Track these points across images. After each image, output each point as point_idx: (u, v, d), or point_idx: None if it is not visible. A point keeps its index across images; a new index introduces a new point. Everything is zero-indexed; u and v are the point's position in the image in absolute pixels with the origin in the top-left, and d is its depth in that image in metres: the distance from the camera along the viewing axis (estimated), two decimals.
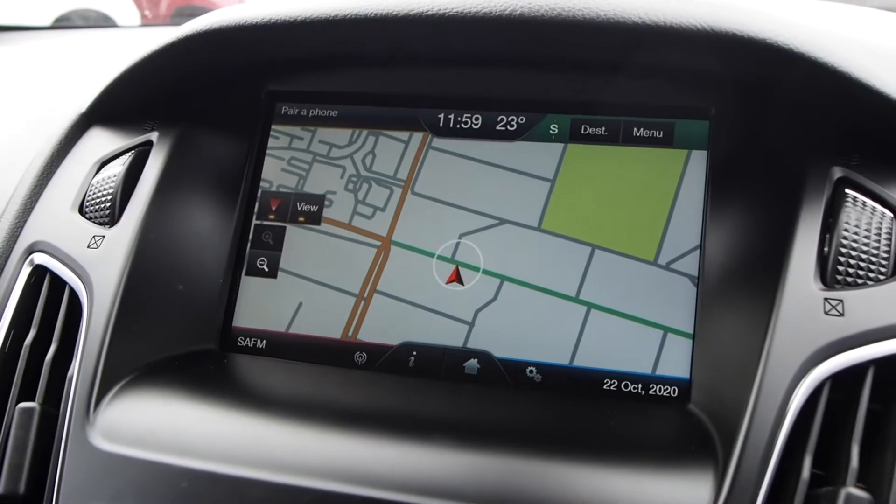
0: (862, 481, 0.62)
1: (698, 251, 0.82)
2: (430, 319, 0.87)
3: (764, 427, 0.65)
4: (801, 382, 0.66)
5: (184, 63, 0.94)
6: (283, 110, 0.99)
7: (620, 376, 0.82)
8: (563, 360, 0.83)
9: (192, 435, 0.74)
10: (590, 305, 0.84)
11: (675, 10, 0.74)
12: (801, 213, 0.73)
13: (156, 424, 0.76)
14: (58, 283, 0.86)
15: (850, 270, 0.70)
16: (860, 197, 0.74)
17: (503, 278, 0.87)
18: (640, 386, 0.81)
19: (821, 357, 0.66)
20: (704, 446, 0.70)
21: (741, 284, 0.77)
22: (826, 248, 0.72)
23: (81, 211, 0.91)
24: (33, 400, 0.79)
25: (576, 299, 0.84)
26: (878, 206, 0.73)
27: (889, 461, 0.63)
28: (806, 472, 0.63)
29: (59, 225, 0.90)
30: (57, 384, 0.80)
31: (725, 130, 0.85)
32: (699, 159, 0.85)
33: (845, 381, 0.66)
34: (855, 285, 0.70)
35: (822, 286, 0.70)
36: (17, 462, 0.76)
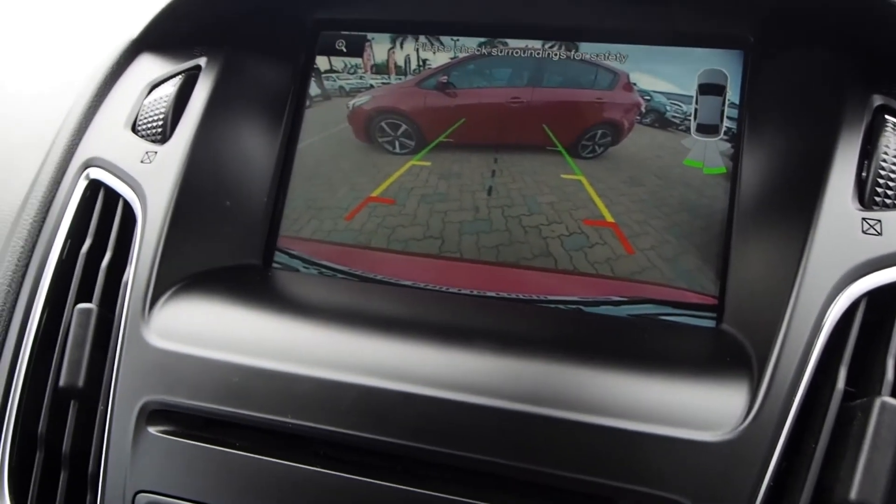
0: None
1: (732, 175, 0.85)
2: (470, 227, 0.91)
3: (799, 340, 0.67)
4: (836, 298, 0.68)
5: None
6: (326, 38, 1.02)
7: (656, 293, 0.84)
8: None
9: (241, 335, 0.78)
10: (624, 224, 0.87)
11: None
12: (840, 139, 0.74)
13: (206, 325, 0.79)
14: (112, 196, 0.89)
15: (889, 192, 0.72)
16: None
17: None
18: (674, 304, 0.84)
19: (857, 274, 0.68)
20: (739, 360, 0.72)
21: (777, 206, 0.79)
22: (864, 173, 0.73)
23: (134, 130, 0.94)
24: (90, 302, 0.83)
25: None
26: None
27: None
28: (841, 382, 0.65)
29: (112, 142, 0.93)
30: (112, 289, 0.84)
31: (762, 59, 0.86)
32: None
33: (881, 299, 0.68)
34: (893, 206, 0.71)
35: (860, 207, 0.71)
36: (77, 358, 0.80)
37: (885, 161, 0.73)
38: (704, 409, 0.67)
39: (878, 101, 0.77)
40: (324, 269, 0.94)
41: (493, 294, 0.89)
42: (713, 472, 0.64)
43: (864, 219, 0.70)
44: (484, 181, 0.92)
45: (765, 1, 0.83)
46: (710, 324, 0.82)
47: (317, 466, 0.72)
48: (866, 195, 0.72)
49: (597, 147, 0.89)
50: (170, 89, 0.95)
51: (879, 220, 0.70)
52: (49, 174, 0.92)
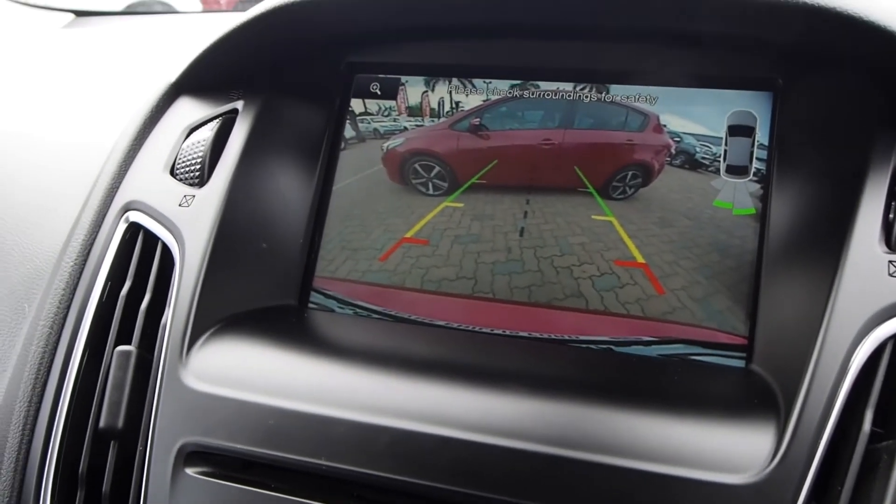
0: None
1: (762, 216, 0.85)
2: (503, 268, 0.92)
3: (825, 383, 0.67)
4: (863, 340, 0.68)
5: (266, 36, 0.98)
6: (361, 80, 1.03)
7: (686, 333, 0.85)
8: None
9: (277, 378, 0.79)
10: (654, 264, 0.87)
11: None
12: (867, 181, 0.75)
13: (243, 368, 0.81)
14: (151, 239, 0.91)
15: None
16: None
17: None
18: (704, 344, 0.84)
19: (884, 317, 0.68)
20: (767, 401, 0.72)
21: (804, 248, 0.79)
22: (892, 215, 0.73)
23: (172, 173, 0.96)
24: (129, 344, 0.85)
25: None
26: None
27: None
28: (867, 425, 0.65)
29: (151, 185, 0.95)
30: (150, 331, 0.85)
31: (791, 101, 0.86)
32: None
33: None
34: None
35: (886, 249, 0.72)
36: (116, 399, 0.82)
37: None
38: (731, 451, 0.67)
39: None
40: (359, 310, 0.95)
41: (525, 334, 0.89)
42: None
43: (890, 261, 0.71)
44: (516, 222, 0.93)
45: (793, 44, 0.84)
46: (740, 364, 0.82)
47: None
48: (893, 237, 0.72)
49: (627, 188, 0.90)
50: (207, 133, 0.97)
51: None
52: (89, 218, 0.94)
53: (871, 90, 0.81)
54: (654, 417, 0.71)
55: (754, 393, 0.75)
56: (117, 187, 0.96)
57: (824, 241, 0.75)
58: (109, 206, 0.95)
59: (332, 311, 0.96)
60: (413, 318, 0.93)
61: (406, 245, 0.96)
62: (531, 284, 0.90)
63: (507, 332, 0.90)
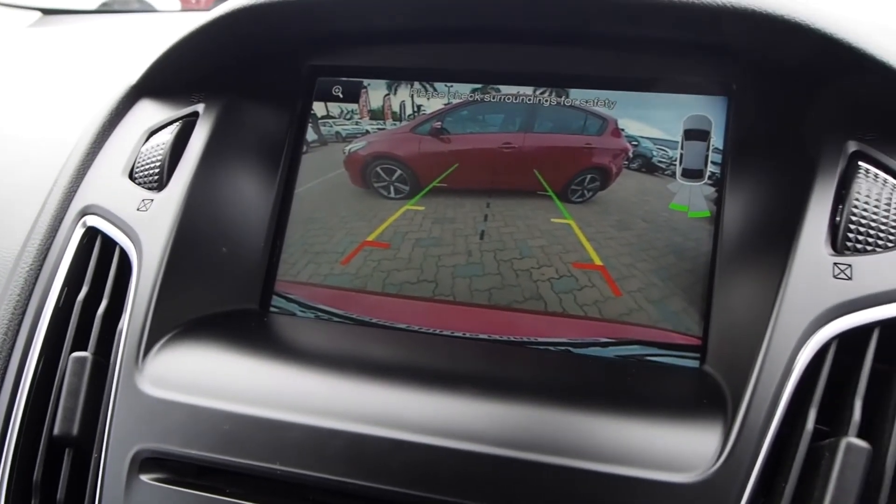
0: (864, 436, 0.65)
1: (716, 218, 0.86)
2: (463, 271, 0.92)
3: (770, 382, 0.68)
4: (808, 341, 0.69)
5: (228, 38, 0.98)
6: (323, 84, 1.03)
7: (643, 334, 0.85)
8: None
9: (233, 382, 0.79)
10: (612, 266, 0.88)
11: None
12: (816, 184, 0.76)
13: (200, 373, 0.81)
14: (108, 244, 0.91)
15: (860, 238, 0.73)
16: (873, 169, 0.77)
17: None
18: (658, 346, 0.85)
19: (828, 317, 0.69)
20: (716, 402, 0.73)
21: (755, 250, 0.80)
22: (838, 218, 0.75)
23: (131, 177, 0.96)
24: (85, 350, 0.84)
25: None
26: (890, 179, 0.76)
27: (890, 417, 0.66)
28: (810, 423, 0.66)
29: (109, 189, 0.94)
30: (107, 336, 0.85)
31: (745, 105, 0.87)
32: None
33: (852, 342, 0.69)
34: (864, 252, 0.73)
35: (832, 252, 0.73)
36: (71, 406, 0.81)
37: (856, 207, 0.74)
38: (679, 451, 0.68)
39: (852, 147, 0.78)
40: (320, 313, 0.95)
41: (485, 336, 0.90)
42: None
43: (835, 263, 0.72)
44: (476, 225, 0.93)
45: (746, 50, 0.84)
46: (695, 364, 0.83)
47: None
48: (839, 240, 0.73)
49: (586, 192, 0.91)
50: (167, 136, 0.97)
51: (850, 265, 0.71)
52: (46, 221, 0.93)
53: (821, 96, 0.82)
54: (606, 418, 0.72)
55: (705, 393, 0.76)
56: (75, 191, 0.96)
57: (774, 244, 0.76)
58: (67, 210, 0.94)
59: (294, 314, 0.96)
60: (374, 321, 0.93)
61: (367, 248, 0.96)
62: (491, 287, 0.91)
63: (468, 335, 0.90)
